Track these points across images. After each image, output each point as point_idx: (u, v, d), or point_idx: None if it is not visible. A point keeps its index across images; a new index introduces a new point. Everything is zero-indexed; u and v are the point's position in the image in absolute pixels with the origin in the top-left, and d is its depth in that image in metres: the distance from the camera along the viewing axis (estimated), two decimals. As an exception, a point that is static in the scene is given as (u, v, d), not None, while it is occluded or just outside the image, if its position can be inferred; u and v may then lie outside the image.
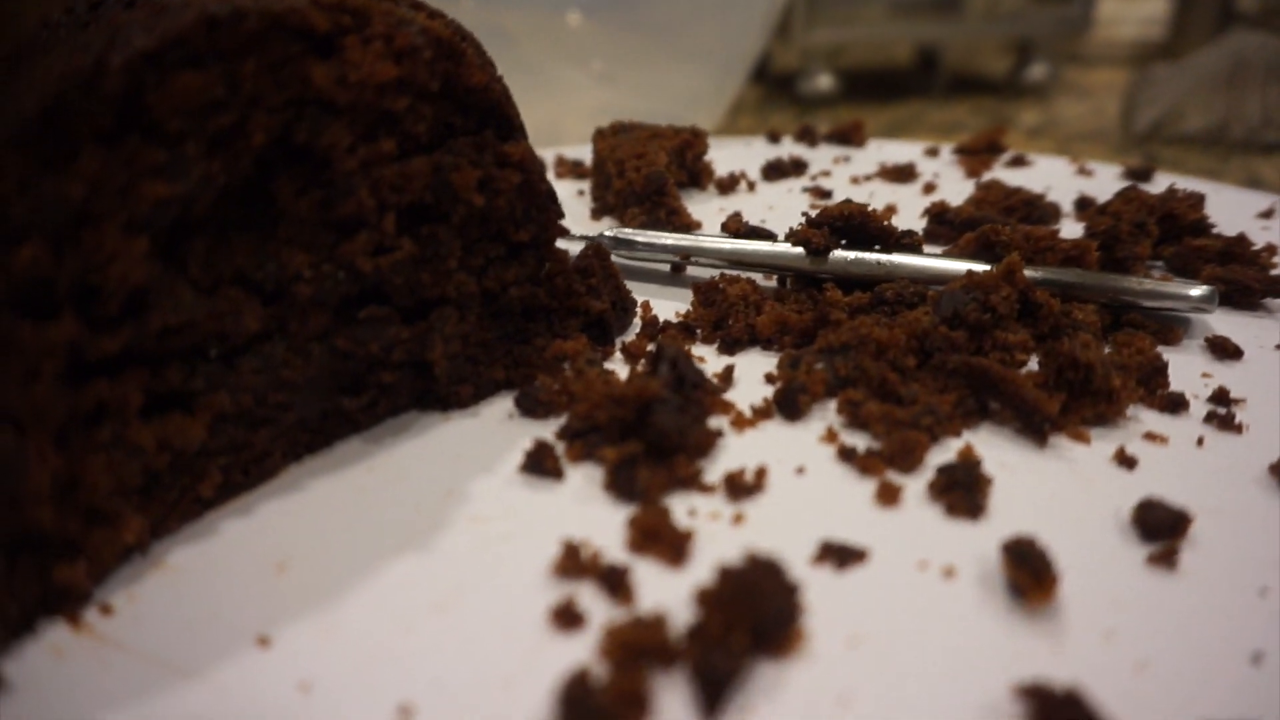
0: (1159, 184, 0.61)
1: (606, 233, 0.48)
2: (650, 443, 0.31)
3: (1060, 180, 0.64)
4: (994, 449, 0.32)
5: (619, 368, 0.39)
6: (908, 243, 0.45)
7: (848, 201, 0.45)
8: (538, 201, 0.36)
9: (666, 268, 0.49)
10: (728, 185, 0.64)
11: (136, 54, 0.24)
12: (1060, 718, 0.22)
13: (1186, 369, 0.38)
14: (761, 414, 0.35)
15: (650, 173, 0.55)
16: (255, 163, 0.29)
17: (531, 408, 0.35)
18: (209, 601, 0.26)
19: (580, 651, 0.24)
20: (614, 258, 0.44)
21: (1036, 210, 0.56)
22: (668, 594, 0.26)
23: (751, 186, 0.65)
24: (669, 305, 0.45)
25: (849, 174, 0.67)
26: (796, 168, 0.68)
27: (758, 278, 0.45)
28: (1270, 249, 0.47)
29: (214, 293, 0.29)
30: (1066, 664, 0.24)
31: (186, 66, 0.25)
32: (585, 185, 0.66)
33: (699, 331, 0.42)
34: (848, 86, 1.47)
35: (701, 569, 0.27)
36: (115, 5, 0.30)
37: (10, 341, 0.24)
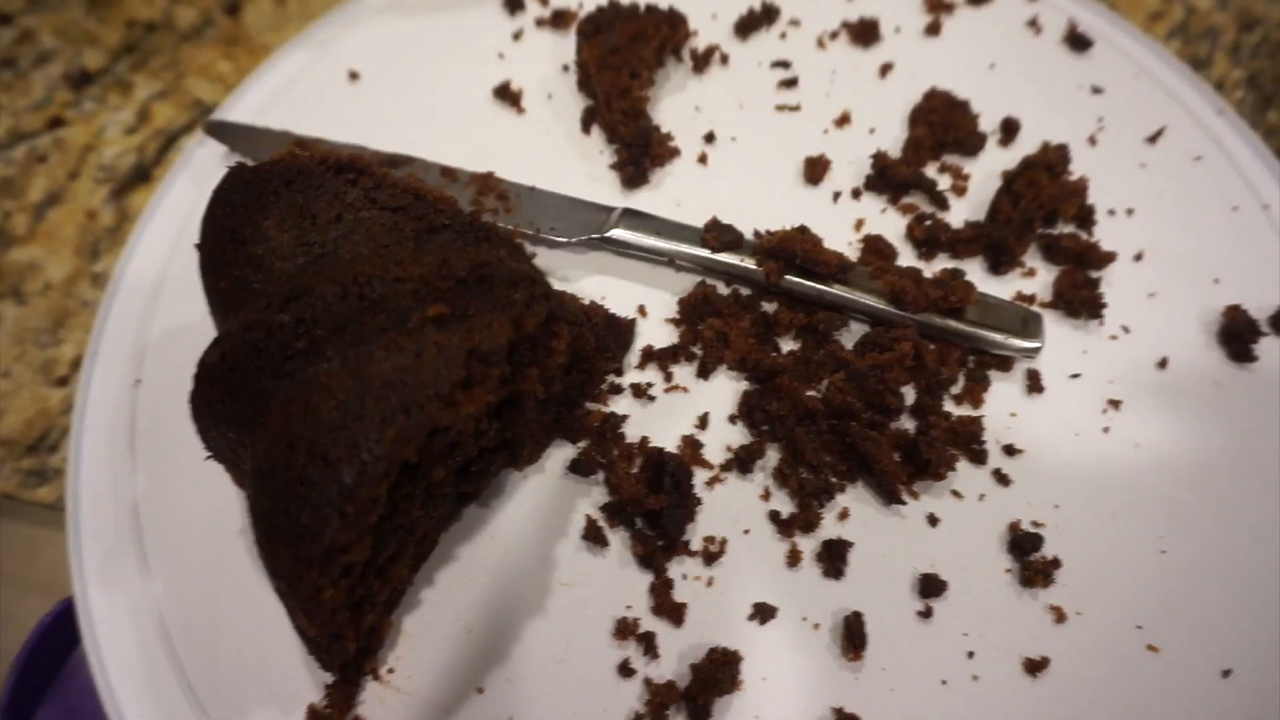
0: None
1: (611, 233, 0.61)
2: (660, 534, 0.53)
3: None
4: (862, 505, 0.55)
5: (628, 401, 0.57)
6: (840, 278, 0.59)
7: (802, 230, 0.58)
8: (584, 353, 0.51)
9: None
10: (703, 61, 0.70)
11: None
12: (849, 724, 0.50)
13: (1003, 403, 0.58)
14: (725, 468, 0.56)
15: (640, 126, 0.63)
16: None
17: (583, 471, 0.55)
18: (439, 659, 0.51)
19: (635, 689, 0.50)
20: (615, 248, 0.60)
21: (967, 140, 0.66)
22: (674, 645, 0.51)
23: (725, 59, 0.70)
24: (659, 296, 0.61)
25: (815, 32, 0.72)
26: (769, 15, 0.72)
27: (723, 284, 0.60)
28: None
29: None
30: (865, 690, 0.51)
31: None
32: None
33: (681, 356, 0.59)
34: None
35: (691, 628, 0.51)
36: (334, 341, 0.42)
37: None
